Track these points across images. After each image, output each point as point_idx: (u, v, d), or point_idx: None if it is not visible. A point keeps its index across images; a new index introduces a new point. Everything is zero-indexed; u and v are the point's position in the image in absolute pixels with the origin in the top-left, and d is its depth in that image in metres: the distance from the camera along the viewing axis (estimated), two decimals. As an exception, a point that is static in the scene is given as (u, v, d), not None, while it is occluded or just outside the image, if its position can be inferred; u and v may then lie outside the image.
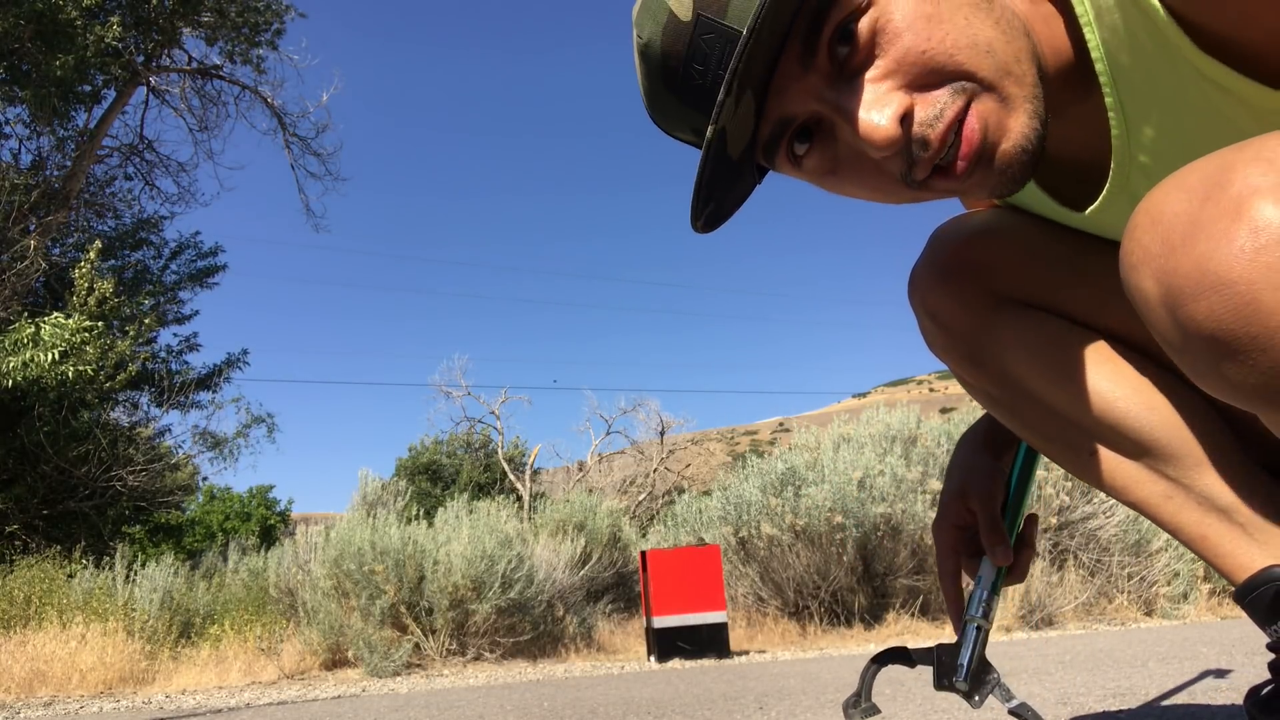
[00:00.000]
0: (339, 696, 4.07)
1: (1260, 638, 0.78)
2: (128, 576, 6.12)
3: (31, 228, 9.94)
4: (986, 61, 0.65)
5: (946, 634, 5.59)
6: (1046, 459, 1.06)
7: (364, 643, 5.01)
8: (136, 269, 12.52)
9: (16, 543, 8.39)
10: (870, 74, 0.67)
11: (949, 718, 2.11)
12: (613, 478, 16.75)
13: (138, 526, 11.96)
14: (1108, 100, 0.71)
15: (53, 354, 7.92)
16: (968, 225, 1.00)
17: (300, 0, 13.44)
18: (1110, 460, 0.89)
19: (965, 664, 1.06)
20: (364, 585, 5.33)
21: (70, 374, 8.20)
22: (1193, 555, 1.19)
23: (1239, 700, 2.03)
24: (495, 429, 18.29)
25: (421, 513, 6.22)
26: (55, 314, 8.43)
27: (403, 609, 5.27)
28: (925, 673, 1.11)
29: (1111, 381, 0.86)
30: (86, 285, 9.24)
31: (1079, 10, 0.68)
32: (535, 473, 16.71)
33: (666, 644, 5.10)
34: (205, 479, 12.96)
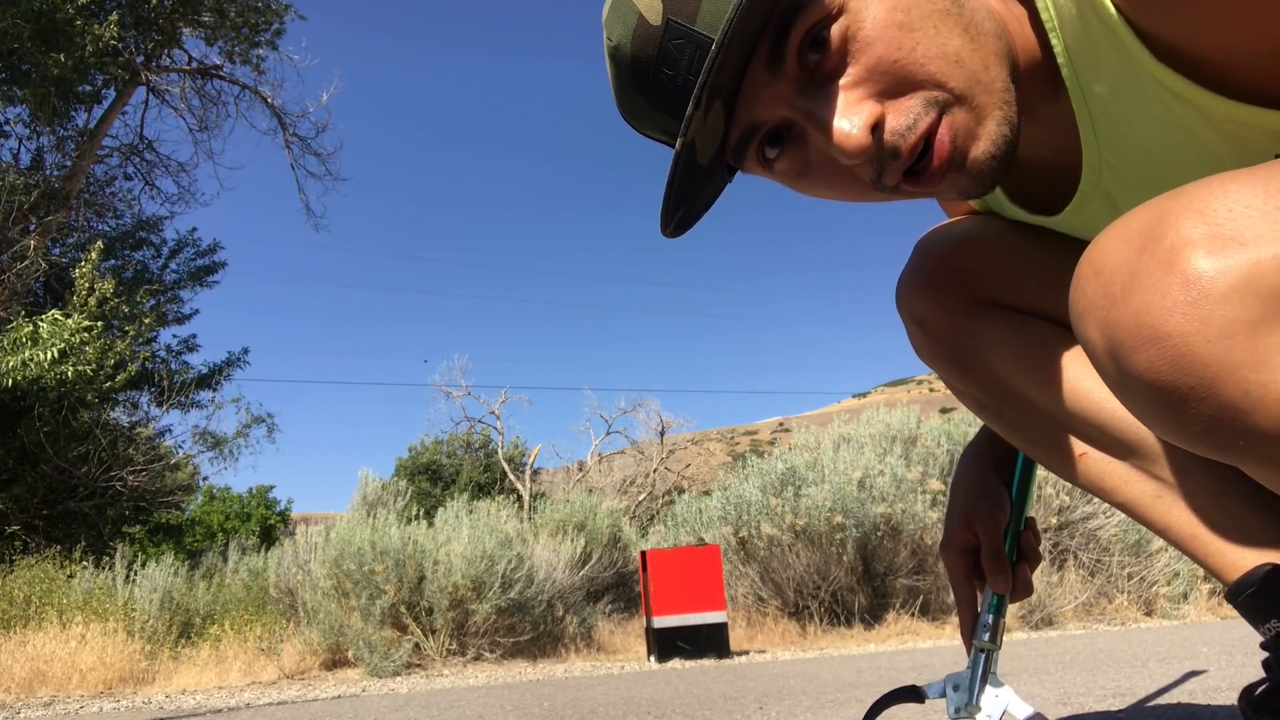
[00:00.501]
0: (339, 696, 4.07)
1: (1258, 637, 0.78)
2: (128, 576, 6.12)
3: (31, 228, 9.94)
4: (956, 71, 0.66)
5: (947, 634, 5.60)
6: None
7: (364, 643, 5.02)
8: (136, 269, 12.50)
9: (16, 543, 8.39)
10: (842, 81, 0.67)
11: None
12: (613, 478, 16.74)
13: (138, 526, 11.95)
14: (1075, 104, 0.72)
15: (52, 353, 7.91)
16: (951, 233, 1.01)
17: (300, 1, 13.46)
18: (1099, 461, 0.89)
19: (976, 689, 1.07)
20: (364, 585, 5.33)
21: (70, 374, 8.19)
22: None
23: (1238, 700, 2.02)
24: (495, 429, 18.30)
25: (421, 513, 6.22)
26: (53, 312, 8.43)
27: (403, 609, 5.27)
28: (928, 675, 1.11)
29: (1098, 381, 0.86)
30: (87, 285, 9.25)
31: (1044, 16, 0.69)
32: (535, 473, 16.71)
33: (666, 644, 5.11)
34: (205, 479, 12.94)
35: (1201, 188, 0.56)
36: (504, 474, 17.58)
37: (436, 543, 5.44)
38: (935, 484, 6.18)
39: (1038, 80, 0.73)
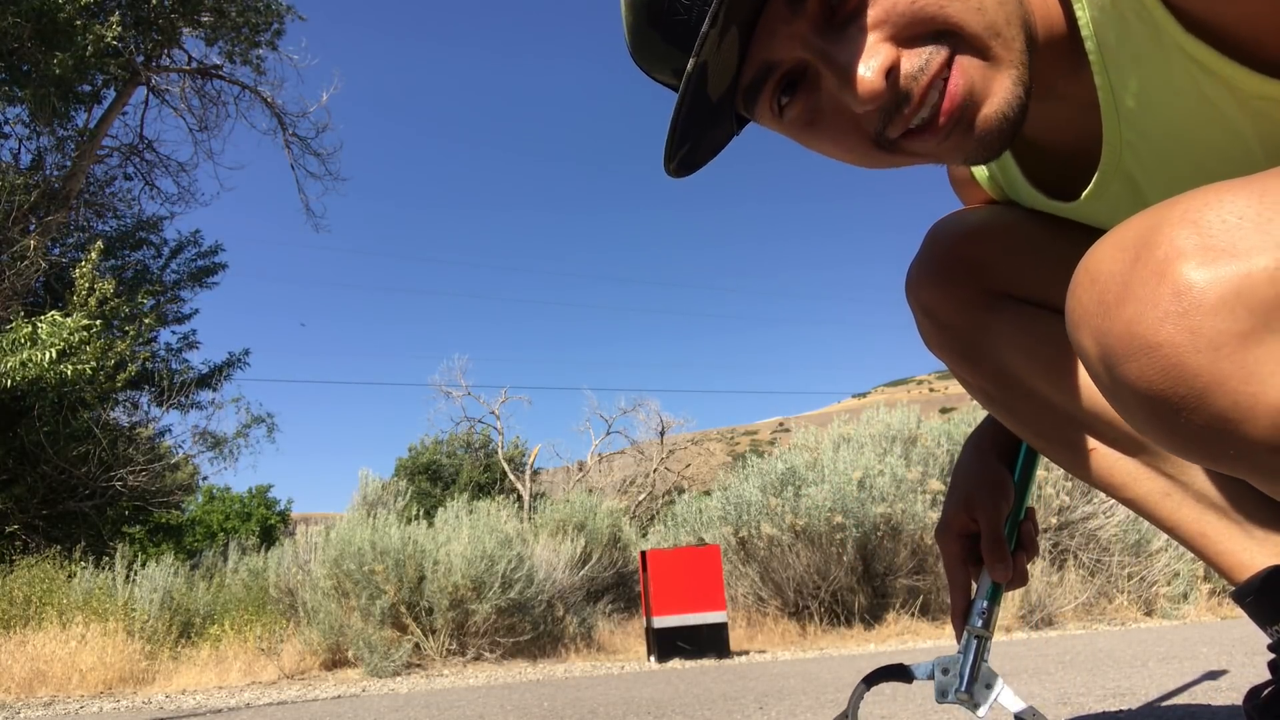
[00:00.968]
0: (339, 696, 4.07)
1: (1260, 638, 0.78)
2: (128, 576, 6.12)
3: (31, 228, 9.94)
4: (976, 18, 0.65)
5: (947, 634, 5.60)
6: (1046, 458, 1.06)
7: (364, 643, 5.02)
8: (136, 269, 12.50)
9: (16, 543, 8.39)
10: (860, 23, 0.66)
11: (949, 717, 2.11)
12: (613, 478, 16.75)
13: (138, 526, 11.96)
14: (1097, 79, 0.71)
15: (51, 353, 7.91)
16: (963, 222, 1.00)
17: (300, 1, 13.45)
18: (1108, 457, 0.89)
19: (966, 674, 1.07)
20: (364, 585, 5.33)
21: (69, 373, 8.19)
22: (1192, 555, 1.19)
23: (1239, 700, 2.02)
24: (495, 429, 18.33)
25: (421, 513, 6.22)
26: (53, 312, 8.43)
27: (403, 609, 5.27)
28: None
29: None
30: (87, 285, 9.24)
31: None
32: (535, 473, 16.72)
33: (666, 644, 5.10)
34: (205, 479, 12.94)
35: (1196, 198, 0.56)
36: (504, 474, 17.58)
37: (436, 543, 5.44)
38: (935, 484, 6.18)
39: (1059, 53, 0.72)
